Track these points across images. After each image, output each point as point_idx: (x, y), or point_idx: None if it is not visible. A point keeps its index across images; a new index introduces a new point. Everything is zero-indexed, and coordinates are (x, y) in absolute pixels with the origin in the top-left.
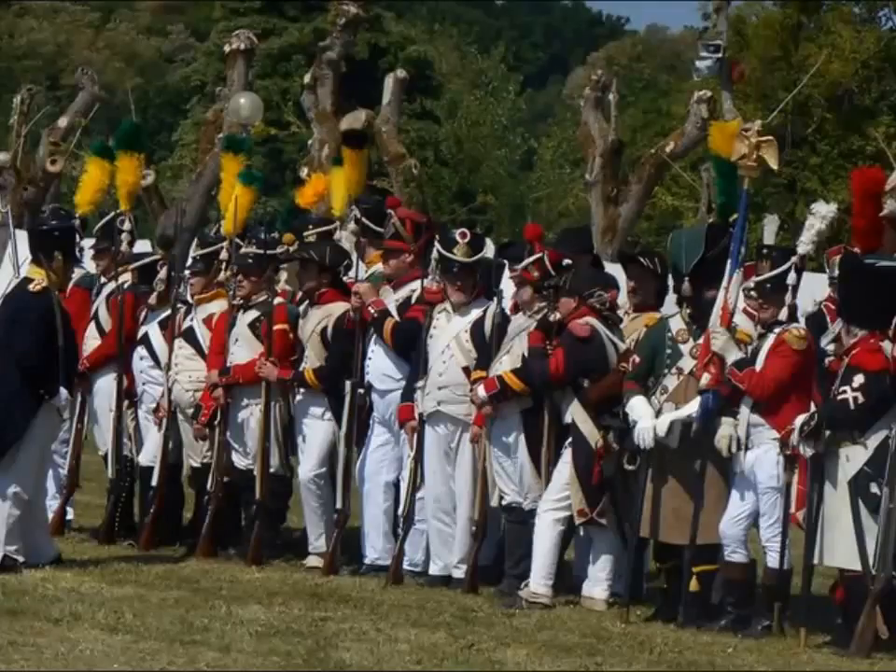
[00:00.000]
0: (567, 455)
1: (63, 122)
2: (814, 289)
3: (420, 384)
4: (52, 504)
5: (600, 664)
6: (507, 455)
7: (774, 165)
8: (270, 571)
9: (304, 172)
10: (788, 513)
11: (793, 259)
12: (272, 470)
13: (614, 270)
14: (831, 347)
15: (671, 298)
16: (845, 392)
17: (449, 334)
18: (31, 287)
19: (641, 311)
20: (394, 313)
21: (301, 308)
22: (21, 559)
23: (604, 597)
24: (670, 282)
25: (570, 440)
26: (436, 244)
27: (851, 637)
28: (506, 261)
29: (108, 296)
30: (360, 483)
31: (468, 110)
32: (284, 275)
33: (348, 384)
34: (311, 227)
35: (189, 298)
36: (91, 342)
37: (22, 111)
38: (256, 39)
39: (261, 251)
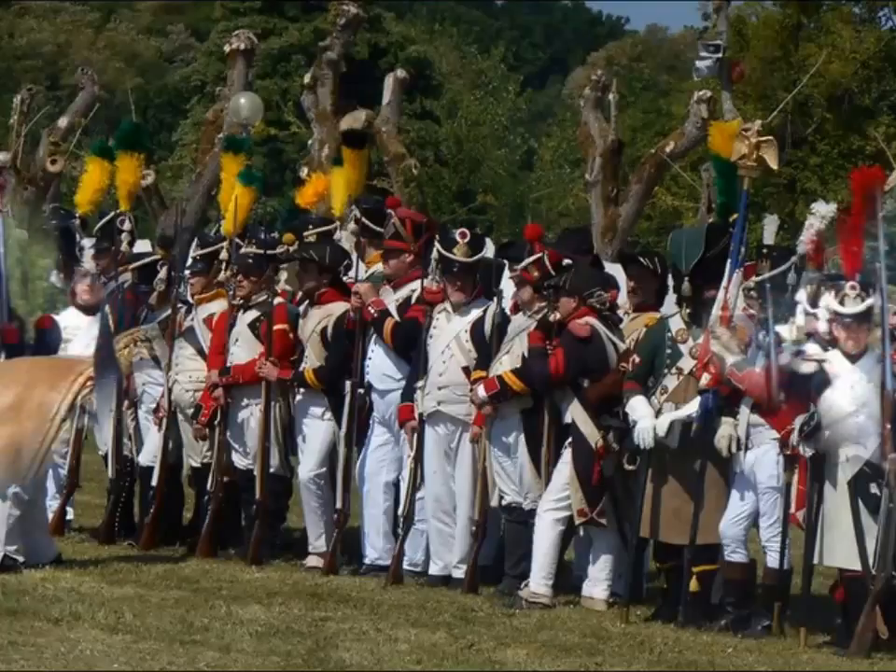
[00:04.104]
0: (566, 455)
1: (63, 122)
2: None
3: (420, 384)
4: (52, 504)
5: (600, 664)
6: (507, 455)
7: (774, 165)
8: (270, 571)
9: (304, 172)
10: (788, 513)
11: (793, 258)
12: (272, 470)
13: (614, 270)
14: None
15: (671, 298)
16: None
17: (449, 334)
18: None
19: (641, 311)
20: (394, 313)
21: (301, 308)
22: (21, 559)
23: (604, 597)
24: (670, 282)
25: (570, 440)
26: (436, 244)
27: (851, 637)
28: (506, 261)
29: (108, 296)
30: (360, 483)
31: (468, 110)
32: (284, 275)
33: (348, 384)
34: (311, 227)
35: (189, 298)
36: None
37: (22, 111)
38: (256, 39)
39: (261, 251)
